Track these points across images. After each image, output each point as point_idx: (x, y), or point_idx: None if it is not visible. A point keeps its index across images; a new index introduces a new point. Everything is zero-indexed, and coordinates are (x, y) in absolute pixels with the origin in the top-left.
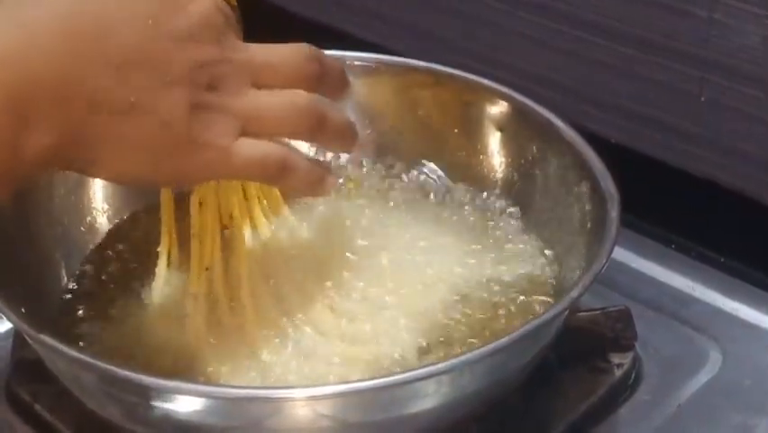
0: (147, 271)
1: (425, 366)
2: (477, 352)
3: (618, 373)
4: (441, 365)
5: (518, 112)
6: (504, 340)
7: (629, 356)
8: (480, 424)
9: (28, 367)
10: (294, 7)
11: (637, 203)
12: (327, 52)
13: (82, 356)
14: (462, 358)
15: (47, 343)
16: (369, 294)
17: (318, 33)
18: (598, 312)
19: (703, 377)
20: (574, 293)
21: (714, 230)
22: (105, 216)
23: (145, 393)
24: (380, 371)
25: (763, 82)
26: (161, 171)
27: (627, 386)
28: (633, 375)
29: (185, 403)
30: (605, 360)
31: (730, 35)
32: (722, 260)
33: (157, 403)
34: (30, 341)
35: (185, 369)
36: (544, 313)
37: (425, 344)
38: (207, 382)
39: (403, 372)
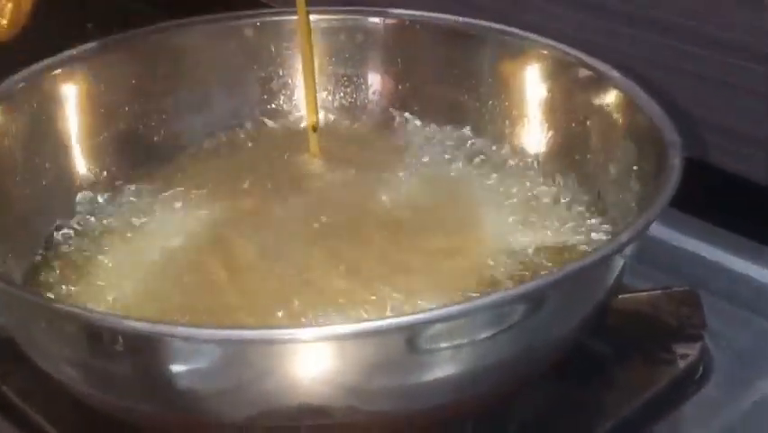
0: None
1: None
2: (508, 293)
3: (683, 365)
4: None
5: (563, 65)
6: (542, 278)
7: (697, 347)
8: (523, 413)
9: None
10: None
11: (711, 197)
12: None
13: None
14: (495, 297)
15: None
16: (392, 256)
17: None
18: (659, 292)
19: None
20: (625, 236)
21: None
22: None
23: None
24: None
25: None
26: None
27: (694, 381)
28: (700, 369)
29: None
30: (667, 350)
31: None
32: None
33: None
34: None
35: None
36: (593, 252)
37: None
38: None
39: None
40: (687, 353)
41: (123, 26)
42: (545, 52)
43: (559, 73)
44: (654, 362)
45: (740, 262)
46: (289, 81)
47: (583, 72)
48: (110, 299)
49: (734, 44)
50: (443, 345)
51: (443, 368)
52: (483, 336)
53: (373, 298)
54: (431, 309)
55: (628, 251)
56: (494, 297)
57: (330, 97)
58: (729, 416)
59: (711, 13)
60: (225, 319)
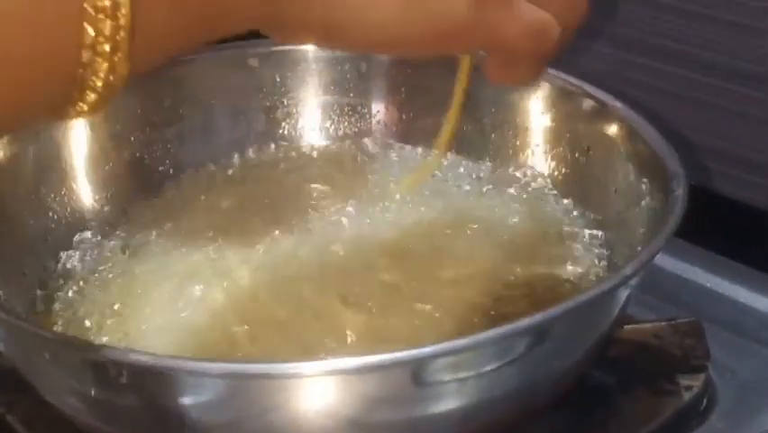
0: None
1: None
2: (512, 326)
3: (687, 396)
4: (474, 338)
5: (567, 95)
6: (548, 312)
7: (701, 378)
8: None
9: (1, 376)
10: None
11: (715, 226)
12: None
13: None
14: (501, 330)
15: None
16: (395, 285)
17: None
18: (663, 324)
19: None
20: (629, 269)
21: None
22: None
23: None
24: None
25: None
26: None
27: (698, 412)
28: (705, 400)
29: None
30: (672, 381)
31: None
32: None
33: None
34: None
35: None
36: (597, 284)
37: None
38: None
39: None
40: (691, 384)
41: None
42: (548, 82)
43: (562, 103)
44: (659, 393)
45: (744, 291)
46: (294, 110)
47: (586, 102)
48: (115, 333)
49: (736, 70)
50: (448, 378)
51: (447, 401)
52: (488, 369)
53: (382, 330)
54: (435, 343)
55: (633, 283)
56: (498, 331)
57: (334, 126)
58: None
59: (713, 39)
60: (231, 353)
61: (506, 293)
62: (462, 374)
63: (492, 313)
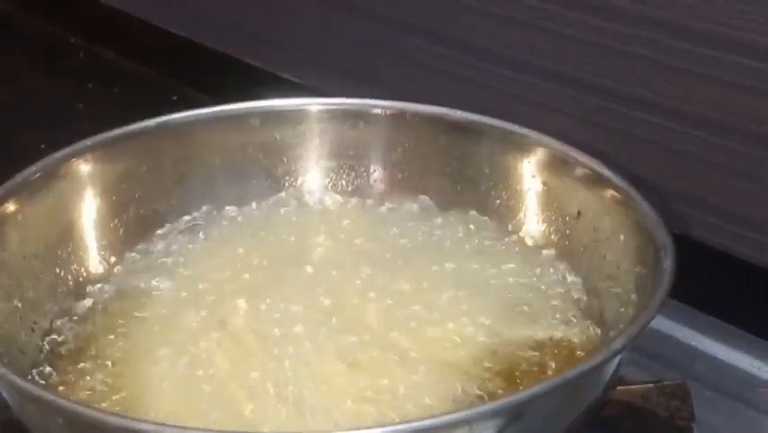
0: None
1: (452, 412)
2: (509, 399)
3: None
4: (466, 413)
5: (559, 161)
6: (543, 385)
7: None
8: None
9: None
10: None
11: (696, 284)
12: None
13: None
14: (494, 405)
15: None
16: (391, 344)
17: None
18: (651, 385)
19: None
20: (619, 342)
21: None
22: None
23: None
24: None
25: None
26: None
27: None
28: None
29: None
30: None
31: None
32: None
33: None
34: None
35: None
36: (588, 358)
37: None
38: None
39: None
40: None
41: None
42: (541, 147)
43: (553, 168)
44: None
45: (725, 350)
46: (293, 168)
47: (577, 169)
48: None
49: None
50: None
51: None
52: None
53: (375, 393)
54: (428, 418)
55: (622, 355)
56: (489, 406)
57: (332, 183)
58: None
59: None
60: (230, 414)
61: (496, 354)
62: None
63: (483, 373)
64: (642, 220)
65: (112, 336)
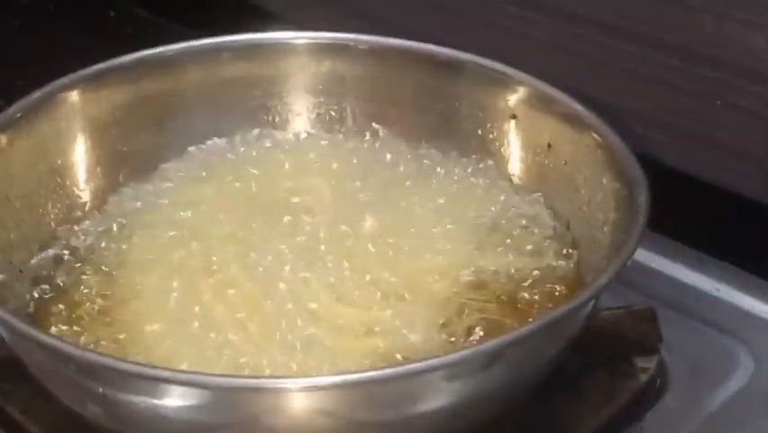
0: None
1: (438, 356)
2: (499, 340)
3: (644, 378)
4: (458, 354)
5: (534, 97)
6: (530, 326)
7: (654, 360)
8: (494, 430)
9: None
10: None
11: (658, 208)
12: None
13: (63, 345)
14: (483, 347)
15: (24, 331)
16: (378, 281)
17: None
18: (621, 311)
19: (735, 384)
20: (603, 279)
21: (739, 233)
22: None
23: (132, 385)
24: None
25: None
26: None
27: (653, 392)
28: (658, 381)
29: (172, 395)
30: (628, 364)
31: None
32: (748, 260)
33: (142, 397)
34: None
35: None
36: (573, 299)
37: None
38: (195, 371)
39: (415, 361)
40: (646, 366)
41: None
42: (514, 82)
43: (528, 104)
44: (617, 375)
45: (688, 273)
46: (276, 103)
47: (550, 104)
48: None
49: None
50: (435, 383)
51: (431, 402)
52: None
53: (362, 325)
54: (423, 360)
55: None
56: (478, 349)
57: (313, 119)
58: (689, 426)
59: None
60: (221, 351)
61: (476, 284)
62: (447, 382)
63: (465, 304)
64: (614, 155)
65: (99, 279)
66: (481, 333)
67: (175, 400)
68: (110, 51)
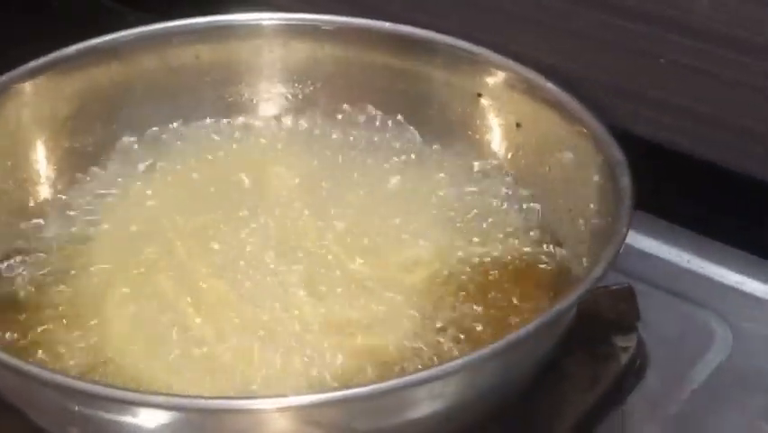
0: None
1: (434, 367)
2: (495, 346)
3: (625, 358)
4: (457, 362)
5: (500, 75)
6: (527, 328)
7: (633, 338)
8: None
9: None
10: None
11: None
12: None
13: (40, 371)
14: (481, 352)
15: None
16: (352, 276)
17: None
18: (600, 291)
19: (714, 358)
20: (598, 271)
21: (708, 202)
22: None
23: (103, 406)
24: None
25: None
26: None
27: (634, 372)
28: (638, 360)
29: (152, 418)
30: (608, 344)
31: None
32: (718, 228)
33: (113, 416)
34: None
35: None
36: (568, 294)
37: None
38: (173, 393)
39: (408, 373)
40: (627, 345)
41: None
42: (482, 63)
43: (494, 83)
44: (599, 357)
45: (658, 244)
46: (239, 86)
47: (516, 82)
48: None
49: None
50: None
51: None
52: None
53: (340, 323)
54: (421, 371)
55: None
56: (470, 357)
57: (279, 101)
58: (673, 405)
59: None
60: (190, 348)
61: (456, 275)
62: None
63: (444, 299)
64: (588, 133)
65: (58, 282)
66: (467, 331)
67: (150, 421)
68: (59, 40)
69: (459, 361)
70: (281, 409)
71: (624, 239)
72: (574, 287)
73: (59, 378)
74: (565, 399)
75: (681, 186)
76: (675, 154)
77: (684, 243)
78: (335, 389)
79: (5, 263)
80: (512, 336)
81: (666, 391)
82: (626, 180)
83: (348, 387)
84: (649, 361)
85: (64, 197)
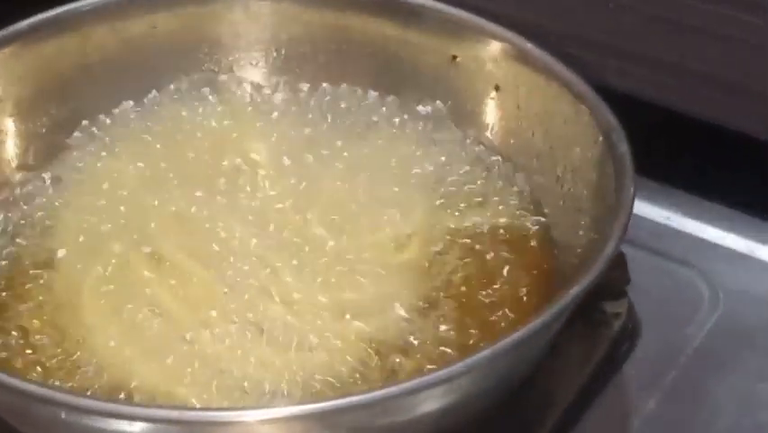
0: None
1: (432, 373)
2: (495, 347)
3: (617, 324)
4: (458, 366)
5: (474, 36)
6: (526, 328)
7: (624, 304)
8: None
9: None
10: None
11: None
12: None
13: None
14: (479, 355)
15: None
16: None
17: None
18: None
19: (704, 319)
20: (610, 248)
21: (686, 156)
22: None
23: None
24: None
25: None
26: None
27: (627, 338)
28: (630, 325)
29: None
30: (599, 311)
31: None
32: (696, 183)
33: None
34: None
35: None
36: (574, 285)
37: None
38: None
39: (408, 379)
40: (617, 311)
41: None
42: (455, 23)
43: (469, 44)
44: (592, 324)
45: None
46: (216, 56)
47: (491, 42)
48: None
49: None
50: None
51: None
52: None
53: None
54: (418, 378)
55: None
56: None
57: (259, 71)
58: (669, 369)
59: None
60: (190, 359)
61: (446, 250)
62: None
63: (438, 273)
64: (574, 95)
65: (34, 280)
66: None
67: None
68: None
69: (460, 364)
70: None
71: (630, 213)
72: (586, 267)
73: (49, 392)
74: (563, 372)
75: (656, 140)
76: (647, 106)
77: (663, 200)
78: (321, 400)
79: None
80: (503, 343)
81: (660, 357)
82: (623, 147)
83: (340, 397)
84: (641, 325)
85: (22, 189)
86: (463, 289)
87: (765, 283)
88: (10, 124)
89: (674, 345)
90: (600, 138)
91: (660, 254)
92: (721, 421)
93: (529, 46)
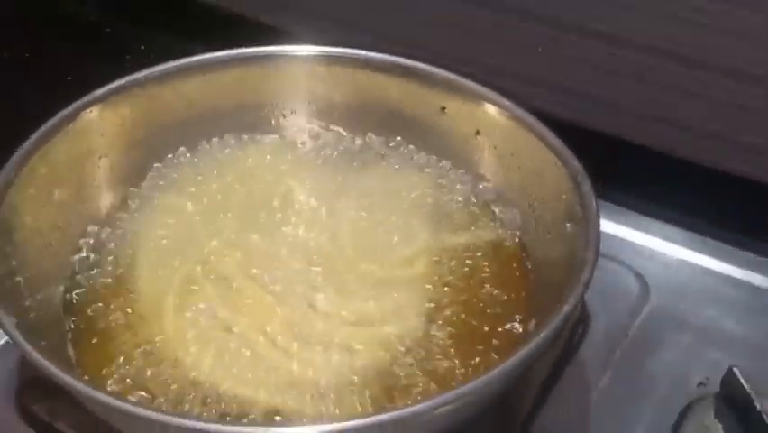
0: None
1: (429, 399)
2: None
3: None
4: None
5: (459, 91)
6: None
7: None
8: None
9: (41, 382)
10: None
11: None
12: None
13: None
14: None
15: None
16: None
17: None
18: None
19: (640, 308)
20: (584, 281)
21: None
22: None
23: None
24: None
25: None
26: None
27: (581, 324)
28: (583, 316)
29: None
30: None
31: None
32: (630, 198)
33: None
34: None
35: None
36: (559, 309)
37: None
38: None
39: (402, 407)
40: None
41: None
42: (444, 82)
43: (455, 97)
44: None
45: None
46: (273, 113)
47: (473, 96)
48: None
49: None
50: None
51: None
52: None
53: (359, 317)
54: (426, 400)
55: None
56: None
57: (304, 123)
58: (615, 349)
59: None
60: (257, 365)
61: (446, 263)
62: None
63: (443, 280)
64: (546, 143)
65: (121, 299)
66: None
67: None
68: (107, 71)
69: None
70: None
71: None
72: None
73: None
74: None
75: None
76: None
77: (612, 216)
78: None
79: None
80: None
81: (608, 340)
82: (587, 186)
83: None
84: (591, 317)
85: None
86: (457, 298)
87: (694, 282)
88: (101, 174)
89: (618, 331)
90: (566, 175)
91: (607, 258)
92: (658, 391)
93: (504, 101)
